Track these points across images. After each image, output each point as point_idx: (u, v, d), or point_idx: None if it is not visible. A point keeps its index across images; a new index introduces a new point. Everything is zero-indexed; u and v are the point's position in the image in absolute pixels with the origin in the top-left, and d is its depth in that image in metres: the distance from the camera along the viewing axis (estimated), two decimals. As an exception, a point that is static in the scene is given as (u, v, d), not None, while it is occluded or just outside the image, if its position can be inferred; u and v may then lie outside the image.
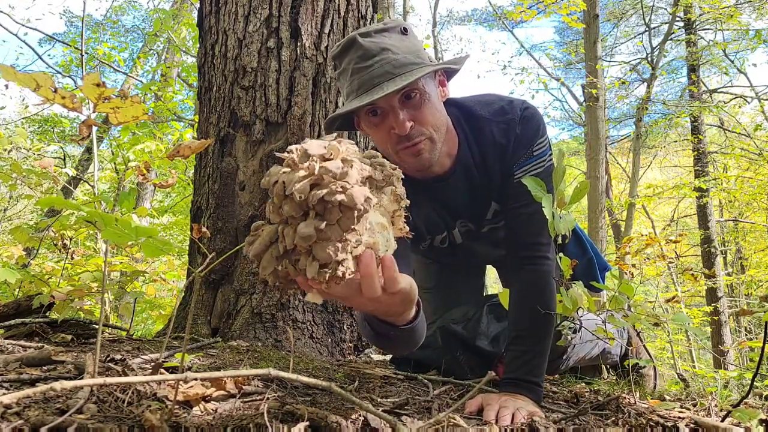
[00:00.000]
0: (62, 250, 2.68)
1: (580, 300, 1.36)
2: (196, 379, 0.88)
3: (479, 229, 1.58)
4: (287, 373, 0.77)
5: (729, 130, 11.41)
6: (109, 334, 1.74)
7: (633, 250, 2.47)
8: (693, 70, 9.85)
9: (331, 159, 0.72)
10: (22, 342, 1.26)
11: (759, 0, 9.90)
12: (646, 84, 11.29)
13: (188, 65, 8.45)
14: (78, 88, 0.94)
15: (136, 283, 2.77)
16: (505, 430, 1.03)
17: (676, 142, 13.27)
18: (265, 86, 1.99)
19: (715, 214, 10.26)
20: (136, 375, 1.02)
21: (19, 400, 0.76)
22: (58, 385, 0.61)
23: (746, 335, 11.84)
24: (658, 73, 11.00)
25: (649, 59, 11.14)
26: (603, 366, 2.06)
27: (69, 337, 1.45)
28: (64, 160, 8.63)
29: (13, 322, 1.54)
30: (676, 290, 7.24)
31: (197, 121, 2.32)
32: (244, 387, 1.04)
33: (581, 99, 11.51)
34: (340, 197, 0.67)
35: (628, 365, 1.77)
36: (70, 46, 8.63)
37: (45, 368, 1.02)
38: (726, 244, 13.45)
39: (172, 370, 1.10)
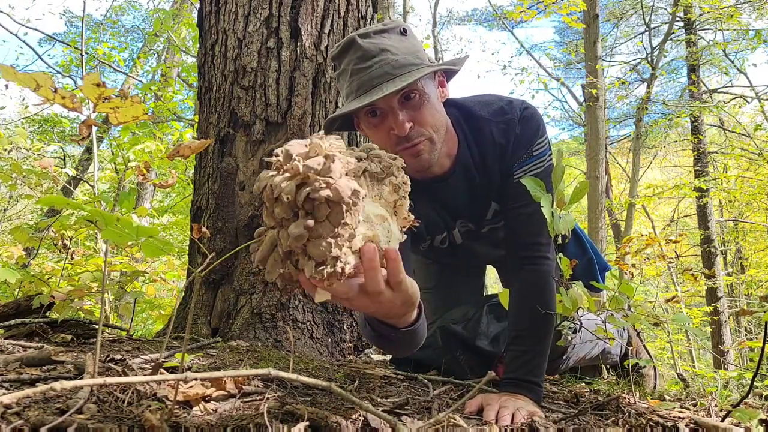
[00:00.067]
0: (62, 250, 2.68)
1: (580, 300, 1.36)
2: (196, 379, 0.88)
3: (479, 230, 1.58)
4: (287, 373, 0.77)
5: (729, 130, 11.41)
6: (109, 334, 1.74)
7: (633, 250, 2.47)
8: (693, 70, 9.85)
9: (314, 157, 0.71)
10: (22, 342, 1.26)
11: (759, 0, 9.90)
12: (646, 84, 11.30)
13: (188, 65, 8.45)
14: (78, 88, 0.94)
15: (136, 283, 2.77)
16: (505, 430, 1.03)
17: (676, 142, 13.28)
18: (265, 86, 1.99)
19: (715, 214, 10.26)
20: (136, 375, 1.02)
21: (19, 400, 0.76)
22: (58, 385, 0.61)
23: (746, 335, 11.84)
24: (658, 73, 11.00)
25: (649, 59, 11.14)
26: (603, 366, 2.06)
27: (69, 337, 1.45)
28: (64, 160, 8.64)
29: (13, 322, 1.54)
30: (676, 290, 7.24)
31: (197, 121, 2.32)
32: (244, 387, 1.04)
33: (581, 99, 11.51)
34: (325, 193, 0.67)
35: (628, 365, 1.78)
36: (70, 46, 8.63)
37: (45, 368, 1.02)
38: (726, 244, 13.45)
39: (172, 370, 1.10)
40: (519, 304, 1.35)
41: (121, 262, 2.84)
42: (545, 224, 1.21)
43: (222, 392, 0.99)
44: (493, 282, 11.43)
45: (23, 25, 7.95)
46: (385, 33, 1.28)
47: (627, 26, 14.20)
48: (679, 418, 1.21)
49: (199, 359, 1.35)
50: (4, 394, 0.75)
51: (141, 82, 8.93)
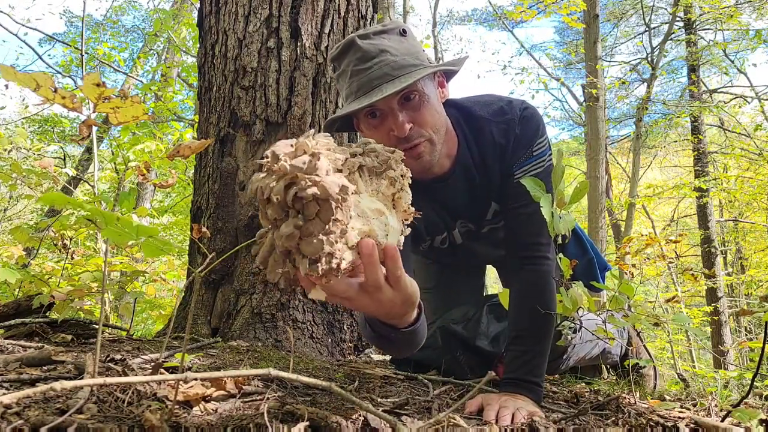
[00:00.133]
0: (62, 250, 2.68)
1: (580, 300, 1.36)
2: (196, 379, 0.88)
3: (479, 230, 1.58)
4: (287, 373, 0.77)
5: (729, 130, 11.41)
6: (109, 334, 1.74)
7: (633, 250, 2.47)
8: (693, 70, 9.85)
9: (300, 156, 0.72)
10: (22, 342, 1.26)
11: (759, 0, 9.90)
12: (646, 84, 11.30)
13: (188, 65, 8.45)
14: (78, 88, 0.94)
15: (136, 283, 2.77)
16: (505, 430, 1.03)
17: (676, 142, 13.28)
18: (265, 86, 1.99)
19: (715, 214, 10.26)
20: (136, 375, 1.02)
21: (19, 400, 0.76)
22: (58, 385, 0.61)
23: (746, 335, 11.84)
24: (658, 73, 11.00)
25: (649, 59, 11.14)
26: (603, 366, 2.06)
27: (69, 337, 1.45)
28: (64, 160, 8.63)
29: (13, 322, 1.54)
30: (676, 290, 7.24)
31: (197, 121, 2.32)
32: (244, 387, 1.04)
33: (581, 99, 11.51)
34: (311, 191, 0.67)
35: (628, 365, 1.77)
36: (70, 46, 8.63)
37: (45, 368, 1.02)
38: (726, 244, 13.45)
39: (172, 370, 1.10)
40: (519, 304, 1.35)
41: (121, 262, 2.85)
42: (545, 224, 1.21)
43: (222, 392, 0.99)
44: (493, 282, 11.43)
45: (23, 25, 7.96)
46: (384, 34, 1.28)
47: (627, 26, 14.21)
48: (679, 418, 1.21)
49: (199, 359, 1.35)
50: (4, 394, 0.75)
51: (141, 82, 8.93)
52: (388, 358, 1.83)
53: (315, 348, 1.78)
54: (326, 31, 2.09)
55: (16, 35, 7.97)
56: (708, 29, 10.71)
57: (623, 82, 11.22)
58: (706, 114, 9.68)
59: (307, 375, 1.14)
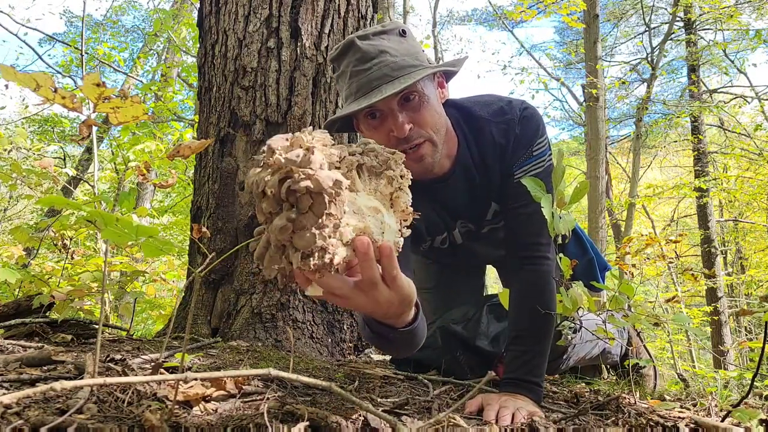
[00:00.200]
0: (62, 250, 2.68)
1: (580, 300, 1.36)
2: (196, 379, 0.88)
3: (479, 230, 1.58)
4: (287, 373, 0.77)
5: (729, 130, 11.41)
6: (109, 334, 1.74)
7: (633, 250, 2.47)
8: (693, 70, 9.85)
9: (295, 149, 0.72)
10: (22, 342, 1.26)
11: (759, 0, 9.90)
12: (646, 84, 11.30)
13: (188, 65, 8.45)
14: (78, 88, 0.94)
15: (136, 283, 2.77)
16: (505, 430, 1.03)
17: (676, 142, 13.28)
18: (265, 86, 1.99)
19: (715, 214, 10.26)
20: (136, 375, 1.02)
21: (19, 400, 0.76)
22: (58, 385, 0.61)
23: (746, 335, 11.84)
24: (658, 73, 11.00)
25: (649, 59, 11.14)
26: (603, 366, 2.06)
27: (69, 337, 1.45)
28: (64, 160, 8.63)
29: (13, 322, 1.54)
30: (676, 290, 7.24)
31: (197, 121, 2.32)
32: (244, 387, 1.04)
33: (581, 99, 11.51)
34: (304, 183, 0.67)
35: (628, 365, 1.78)
36: (70, 46, 8.63)
37: (45, 368, 1.02)
38: (726, 244, 13.45)
39: (172, 370, 1.10)
40: (519, 304, 1.35)
41: (121, 262, 2.85)
42: (545, 224, 1.21)
43: (222, 392, 0.99)
44: (493, 282, 11.43)
45: (23, 25, 7.96)
46: (384, 34, 1.28)
47: (627, 26, 14.21)
48: (679, 418, 1.21)
49: (199, 359, 1.35)
50: (4, 394, 0.75)
51: (141, 82, 8.94)
52: (388, 358, 1.83)
53: (315, 348, 1.78)
54: (326, 31, 2.09)
55: (16, 35, 7.97)
56: (708, 29, 10.72)
57: (623, 82, 11.22)
58: (706, 114, 9.68)
59: (307, 375, 1.15)
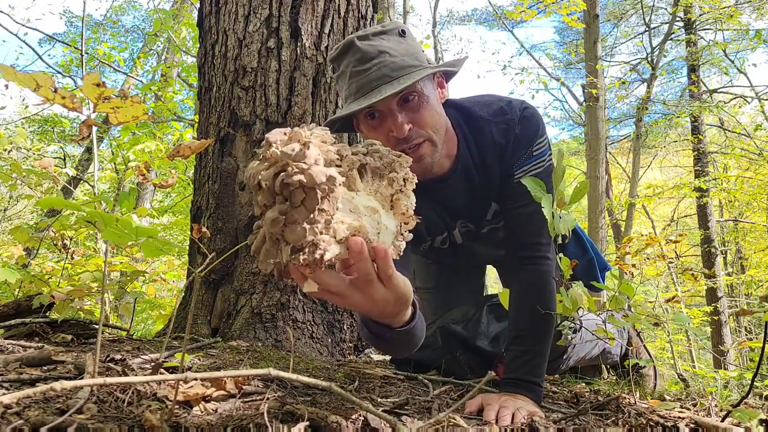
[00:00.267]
0: (62, 250, 2.68)
1: (580, 300, 1.36)
2: (196, 379, 0.88)
3: (479, 230, 1.58)
4: (287, 373, 0.77)
5: (729, 130, 11.41)
6: (109, 334, 1.74)
7: (633, 250, 2.47)
8: (693, 70, 9.85)
9: (291, 143, 0.72)
10: (22, 342, 1.26)
11: (759, 0, 9.90)
12: (646, 84, 11.30)
13: (188, 65, 8.45)
14: (78, 88, 0.94)
15: (136, 283, 2.77)
16: (505, 430, 1.03)
17: (676, 142, 13.28)
18: (265, 86, 1.99)
19: (715, 214, 10.26)
20: (136, 375, 1.02)
21: (19, 400, 0.76)
22: (58, 385, 0.61)
23: (746, 335, 11.84)
24: (658, 73, 11.00)
25: (649, 59, 11.14)
26: (603, 366, 2.06)
27: (69, 337, 1.45)
28: (64, 160, 8.64)
29: (13, 322, 1.54)
30: (676, 290, 7.24)
31: (197, 121, 2.32)
32: (244, 387, 1.04)
33: (581, 99, 11.52)
34: (298, 177, 0.67)
35: (628, 365, 1.78)
36: (70, 46, 8.63)
37: (45, 368, 1.02)
38: (726, 244, 13.45)
39: (172, 370, 1.10)
40: (519, 304, 1.35)
41: (121, 262, 2.84)
42: (545, 224, 1.21)
43: (222, 392, 0.99)
44: (493, 282, 11.43)
45: (23, 25, 7.95)
46: (383, 35, 1.28)
47: (627, 26, 14.21)
48: (679, 418, 1.21)
49: (199, 359, 1.35)
50: (4, 394, 0.75)
51: (141, 82, 8.93)
52: (388, 358, 1.83)
53: (315, 348, 1.78)
54: (326, 31, 2.09)
55: (16, 35, 7.97)
56: (708, 29, 10.72)
57: (623, 82, 11.22)
58: (706, 114, 9.68)
59: (307, 375, 1.15)
